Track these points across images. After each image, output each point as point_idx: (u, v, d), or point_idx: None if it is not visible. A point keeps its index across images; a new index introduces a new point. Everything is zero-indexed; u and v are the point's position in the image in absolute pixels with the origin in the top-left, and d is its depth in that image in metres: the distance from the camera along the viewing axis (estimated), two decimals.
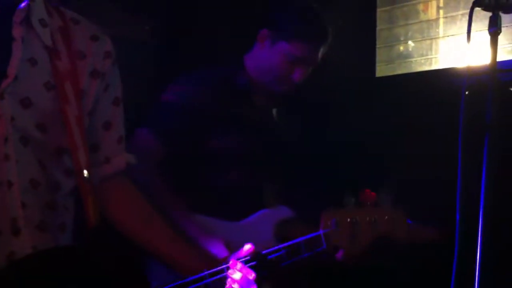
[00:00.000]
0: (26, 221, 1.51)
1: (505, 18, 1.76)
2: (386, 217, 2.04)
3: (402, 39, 3.50)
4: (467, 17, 1.74)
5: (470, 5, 1.74)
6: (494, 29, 1.71)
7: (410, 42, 3.46)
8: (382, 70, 3.48)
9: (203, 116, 2.43)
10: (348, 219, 2.03)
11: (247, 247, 1.96)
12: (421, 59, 3.41)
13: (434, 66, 3.35)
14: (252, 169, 2.56)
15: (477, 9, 1.73)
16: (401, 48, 3.50)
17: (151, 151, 2.35)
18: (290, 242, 2.04)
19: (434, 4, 3.43)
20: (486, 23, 1.74)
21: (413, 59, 3.44)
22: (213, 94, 2.47)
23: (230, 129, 2.48)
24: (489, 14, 1.73)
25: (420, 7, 3.46)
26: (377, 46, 3.48)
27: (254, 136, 2.55)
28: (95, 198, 1.61)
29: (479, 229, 1.63)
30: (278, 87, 2.56)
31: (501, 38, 1.75)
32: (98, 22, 2.63)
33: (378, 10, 3.49)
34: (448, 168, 1.78)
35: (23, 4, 1.54)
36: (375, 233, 2.04)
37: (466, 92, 1.75)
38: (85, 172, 1.58)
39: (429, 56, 3.38)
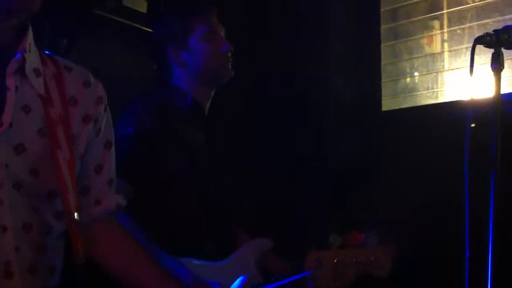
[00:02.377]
0: (19, 264, 1.53)
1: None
2: (372, 258, 2.08)
3: (408, 71, 3.51)
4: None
5: (474, 37, 1.76)
6: (497, 65, 1.72)
7: (416, 74, 3.48)
8: (387, 104, 3.49)
9: (157, 142, 2.39)
10: (334, 260, 2.07)
11: (240, 278, 1.97)
12: (427, 93, 3.42)
13: (440, 99, 3.35)
14: (215, 194, 2.53)
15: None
16: (407, 80, 3.52)
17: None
18: (278, 283, 2.06)
19: (438, 37, 3.45)
20: (489, 56, 1.75)
21: (418, 93, 3.45)
22: (162, 117, 2.44)
23: (183, 153, 2.45)
24: None
25: (424, 40, 3.48)
26: (382, 80, 3.49)
27: (202, 159, 2.51)
28: (84, 239, 1.62)
29: (489, 263, 1.62)
30: (220, 70, 2.55)
31: (505, 69, 1.76)
32: (105, 62, 2.69)
33: (382, 45, 3.51)
34: (454, 202, 1.77)
35: (17, 56, 1.58)
36: (359, 273, 2.08)
37: (472, 125, 1.75)
38: (75, 214, 1.59)
39: (434, 90, 3.39)
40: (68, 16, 2.64)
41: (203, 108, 2.58)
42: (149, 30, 2.92)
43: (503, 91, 1.75)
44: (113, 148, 1.79)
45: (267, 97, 3.48)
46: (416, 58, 3.48)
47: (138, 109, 2.45)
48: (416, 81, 3.49)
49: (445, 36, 3.42)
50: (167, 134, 2.42)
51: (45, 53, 1.72)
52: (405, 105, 3.45)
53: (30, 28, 1.65)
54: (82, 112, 1.69)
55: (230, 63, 2.56)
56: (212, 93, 2.61)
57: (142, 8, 3.05)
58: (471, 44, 1.76)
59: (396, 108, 3.47)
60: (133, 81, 2.85)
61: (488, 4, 3.19)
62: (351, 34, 3.49)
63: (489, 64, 1.74)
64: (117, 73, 2.71)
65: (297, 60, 3.48)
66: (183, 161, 2.44)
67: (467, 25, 3.28)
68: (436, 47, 3.47)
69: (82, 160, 1.69)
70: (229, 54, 2.56)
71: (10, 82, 1.56)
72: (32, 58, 1.63)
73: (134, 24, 2.97)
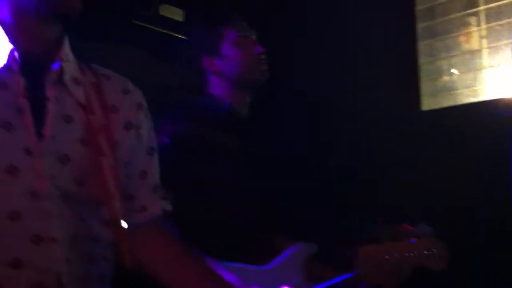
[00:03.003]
0: (70, 275, 1.53)
1: None
2: (426, 251, 2.01)
3: (446, 70, 3.48)
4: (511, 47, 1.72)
5: None
6: None
7: (453, 71, 3.43)
8: (427, 103, 3.46)
9: (194, 151, 2.41)
10: (387, 256, 2.01)
11: None
12: (467, 91, 3.37)
13: (480, 97, 3.31)
14: (255, 200, 2.52)
15: None
16: (446, 79, 3.47)
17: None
18: (328, 283, 2.01)
19: (476, 34, 3.41)
20: None
21: (458, 91, 3.41)
22: (199, 126, 2.46)
23: (221, 160, 2.46)
24: None
25: (462, 38, 3.44)
26: (421, 79, 3.46)
27: (240, 166, 2.51)
28: (131, 246, 1.62)
29: None
30: (255, 74, 2.57)
31: None
32: (142, 71, 2.72)
33: (419, 43, 3.48)
34: (498, 202, 1.75)
35: (56, 65, 1.59)
36: (413, 267, 2.01)
37: None
38: (122, 221, 1.60)
39: (474, 87, 3.35)
40: (107, 26, 2.67)
41: (240, 114, 2.59)
42: (185, 38, 2.95)
43: None
44: (156, 154, 1.79)
45: (303, 98, 3.49)
46: (454, 56, 3.44)
47: (174, 118, 2.47)
48: (456, 79, 3.45)
49: (483, 33, 3.37)
50: (205, 143, 2.44)
51: (83, 62, 1.72)
52: (445, 104, 3.41)
53: (67, 37, 1.66)
54: (123, 119, 1.69)
55: (264, 65, 2.57)
56: (249, 98, 2.62)
57: (179, 16, 3.09)
58: (510, 40, 1.73)
59: (437, 107, 3.43)
60: (170, 89, 2.87)
61: None
62: (387, 33, 3.47)
63: None
64: (154, 82, 2.74)
65: (333, 61, 3.47)
66: (221, 168, 2.45)
67: (505, 20, 3.23)
68: (474, 44, 3.42)
69: (126, 167, 1.69)
70: (262, 56, 2.57)
71: (50, 92, 1.57)
72: (71, 67, 1.64)
73: (171, 33, 3.00)
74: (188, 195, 2.36)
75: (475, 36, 3.42)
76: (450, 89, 3.44)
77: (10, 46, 1.54)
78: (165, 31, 2.97)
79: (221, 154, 2.47)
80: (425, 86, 3.47)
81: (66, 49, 1.64)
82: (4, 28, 1.56)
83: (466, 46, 3.44)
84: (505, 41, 3.18)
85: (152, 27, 2.90)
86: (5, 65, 1.53)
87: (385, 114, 3.38)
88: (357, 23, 3.48)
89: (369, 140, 3.37)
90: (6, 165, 1.48)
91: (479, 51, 3.37)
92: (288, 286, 1.95)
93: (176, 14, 3.07)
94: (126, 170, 1.69)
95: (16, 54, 1.53)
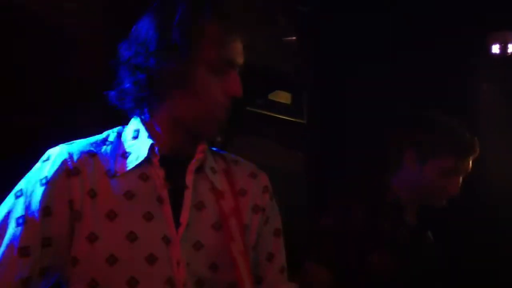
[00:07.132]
0: None
1: None
2: None
3: None
4: None
5: None
6: None
7: None
8: None
9: (362, 238, 2.45)
10: None
11: None
12: None
13: None
14: None
15: None
16: None
17: (324, 286, 2.42)
18: None
19: None
20: None
21: None
22: (368, 215, 2.50)
23: (386, 250, 2.48)
24: None
25: None
26: None
27: (409, 257, 2.53)
28: None
29: None
30: (438, 202, 2.58)
31: None
32: (258, 154, 2.86)
33: None
34: None
35: (199, 155, 1.69)
36: None
37: None
38: None
39: None
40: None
41: (409, 221, 2.62)
42: (293, 120, 3.07)
43: None
44: (281, 236, 1.83)
45: None
46: None
47: (347, 204, 2.53)
48: None
49: None
50: (369, 226, 2.48)
51: (213, 150, 1.80)
52: None
53: None
54: (251, 202, 1.76)
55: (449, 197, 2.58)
56: (419, 211, 2.65)
57: (286, 100, 3.24)
58: None
59: None
60: (282, 170, 2.99)
61: None
62: None
63: None
64: (270, 164, 2.86)
65: None
66: (380, 255, 2.48)
67: None
68: None
69: (254, 249, 1.75)
70: (451, 194, 2.57)
71: (189, 180, 1.66)
72: (209, 157, 1.74)
73: (280, 116, 3.14)
74: (346, 273, 2.43)
75: None
76: None
77: (149, 141, 1.64)
78: (275, 115, 3.10)
79: (384, 242, 2.50)
80: None
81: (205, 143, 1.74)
82: (144, 126, 1.68)
83: None
84: None
85: (263, 112, 3.03)
86: (145, 158, 1.64)
87: None
88: None
89: None
90: (146, 254, 1.58)
91: None
92: None
93: (283, 97, 3.21)
94: (254, 253, 1.76)
95: (156, 148, 1.64)
